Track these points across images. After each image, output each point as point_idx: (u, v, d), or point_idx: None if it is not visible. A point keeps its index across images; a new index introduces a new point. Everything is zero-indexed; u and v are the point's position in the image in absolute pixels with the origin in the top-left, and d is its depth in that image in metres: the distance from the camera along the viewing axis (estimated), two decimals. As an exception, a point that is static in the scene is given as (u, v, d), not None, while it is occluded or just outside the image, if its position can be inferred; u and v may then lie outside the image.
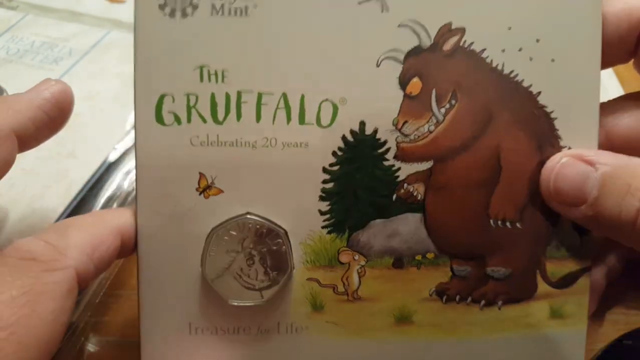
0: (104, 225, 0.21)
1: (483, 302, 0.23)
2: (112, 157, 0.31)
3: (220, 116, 0.22)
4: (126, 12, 0.41)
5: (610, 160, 0.21)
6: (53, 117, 0.22)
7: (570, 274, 0.23)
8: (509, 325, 0.23)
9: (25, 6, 0.41)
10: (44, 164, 0.30)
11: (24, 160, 0.30)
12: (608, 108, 0.24)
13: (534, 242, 0.23)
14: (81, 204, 0.28)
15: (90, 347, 0.27)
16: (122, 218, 0.22)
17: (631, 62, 0.24)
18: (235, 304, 0.22)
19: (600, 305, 0.26)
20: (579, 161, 0.21)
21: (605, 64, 0.23)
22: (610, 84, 0.25)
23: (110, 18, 0.40)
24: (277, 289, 0.23)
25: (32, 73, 0.35)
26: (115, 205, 0.30)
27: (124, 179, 0.30)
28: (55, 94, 0.22)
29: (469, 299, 0.23)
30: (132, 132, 0.31)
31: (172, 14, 0.22)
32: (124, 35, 0.39)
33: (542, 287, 0.23)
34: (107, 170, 0.30)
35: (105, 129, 0.32)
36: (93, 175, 0.30)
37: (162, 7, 0.22)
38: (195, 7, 0.22)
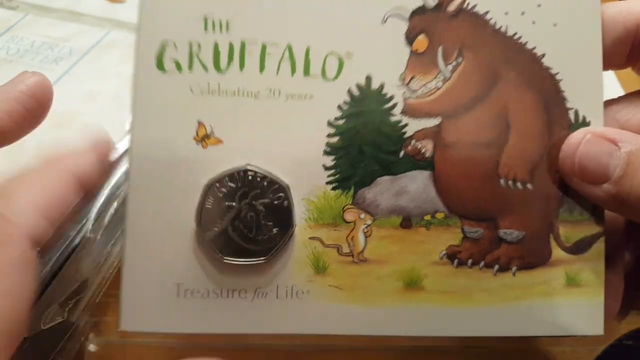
0: (58, 176, 0.19)
1: (497, 267, 0.22)
2: (112, 157, 0.30)
3: (223, 65, 0.21)
4: (126, 12, 0.41)
5: (633, 139, 0.21)
6: (31, 109, 0.21)
7: (585, 238, 0.22)
8: (524, 293, 0.22)
9: (25, 6, 0.41)
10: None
11: (24, 160, 0.29)
12: (621, 102, 0.24)
13: (545, 203, 0.22)
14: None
15: (91, 347, 0.26)
16: (80, 160, 0.20)
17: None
18: (231, 262, 0.21)
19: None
20: (602, 139, 0.21)
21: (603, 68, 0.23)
22: (611, 85, 0.25)
23: (110, 18, 0.40)
24: (277, 248, 0.21)
25: None
26: (115, 205, 0.28)
27: (124, 178, 0.29)
28: (31, 86, 0.21)
29: (482, 263, 0.22)
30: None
31: (179, -35, 0.22)
32: (124, 35, 0.39)
33: (557, 252, 0.22)
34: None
35: (105, 129, 0.31)
36: None
37: (169, -42, 0.22)
38: (202, -41, 0.22)
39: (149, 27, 0.21)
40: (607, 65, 0.23)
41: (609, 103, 0.24)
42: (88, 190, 0.20)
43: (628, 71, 0.26)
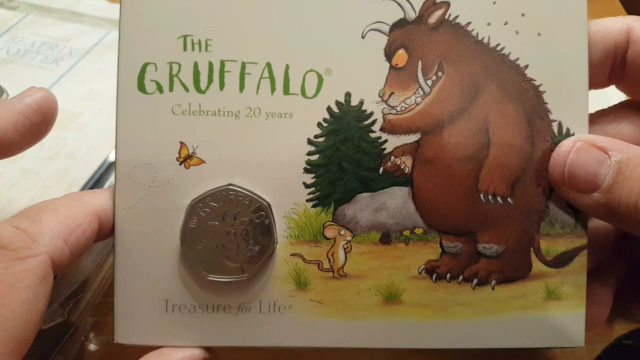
0: (80, 207, 0.21)
1: (475, 281, 0.22)
2: (112, 157, 0.31)
3: (203, 85, 0.22)
4: None
5: (623, 148, 0.20)
6: (35, 122, 0.22)
7: (566, 252, 0.22)
8: (503, 307, 0.22)
9: (25, 6, 0.41)
10: (44, 164, 0.30)
11: (24, 160, 0.30)
12: (611, 115, 0.23)
13: (526, 218, 0.22)
14: (82, 192, 0.28)
15: (91, 347, 0.26)
16: (99, 199, 0.21)
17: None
18: (215, 279, 0.21)
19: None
20: (593, 147, 0.21)
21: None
22: (611, 88, 0.24)
23: (111, 18, 0.40)
24: (260, 265, 0.21)
25: (32, 73, 0.35)
26: None
27: None
28: (37, 100, 0.22)
29: (460, 277, 0.22)
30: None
31: (158, -14, 0.22)
32: None
33: (537, 266, 0.22)
34: (107, 170, 0.30)
35: (105, 129, 0.32)
36: (93, 175, 0.29)
37: (148, -21, 0.22)
38: (181, -21, 0.22)
39: (129, 48, 0.22)
40: (589, 85, 0.22)
41: (597, 115, 0.23)
42: (105, 227, 0.21)
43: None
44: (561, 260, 0.22)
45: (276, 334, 0.22)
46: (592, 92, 0.23)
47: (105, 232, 0.22)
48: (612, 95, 0.25)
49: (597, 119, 0.24)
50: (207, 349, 0.22)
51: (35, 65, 0.36)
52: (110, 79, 0.36)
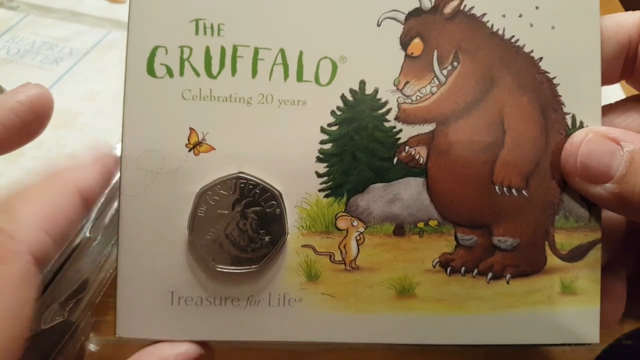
0: (61, 191, 0.19)
1: (490, 274, 0.22)
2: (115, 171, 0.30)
3: (215, 70, 0.21)
4: (127, 13, 0.41)
5: (635, 138, 0.20)
6: (27, 121, 0.20)
7: (580, 246, 0.22)
8: (519, 301, 0.22)
9: (25, 6, 0.41)
10: (43, 164, 0.30)
11: (24, 160, 0.30)
12: (619, 108, 0.23)
13: (541, 210, 0.22)
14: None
15: (91, 346, 0.26)
16: (81, 174, 0.20)
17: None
18: (224, 270, 0.21)
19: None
20: (605, 138, 0.21)
21: None
22: (612, 89, 0.24)
23: (111, 18, 0.40)
24: (270, 256, 0.21)
25: (32, 73, 0.35)
26: (115, 204, 0.28)
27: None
28: (31, 97, 0.20)
29: (475, 271, 0.22)
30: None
31: (169, -32, 0.21)
32: (125, 35, 0.38)
33: (552, 260, 0.22)
34: None
35: (105, 129, 0.32)
36: None
37: (160, -37, 0.21)
38: (193, -37, 0.21)
39: (139, 31, 0.21)
40: (602, 81, 0.22)
41: (606, 109, 0.23)
42: (91, 204, 0.20)
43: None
44: (576, 254, 0.22)
45: (286, 328, 0.21)
46: None
47: (88, 208, 0.20)
48: (613, 96, 0.25)
49: (606, 112, 0.23)
50: (204, 345, 0.21)
51: (35, 65, 0.36)
52: (111, 79, 0.36)
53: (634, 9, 0.24)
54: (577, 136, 0.21)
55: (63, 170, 0.20)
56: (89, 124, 0.28)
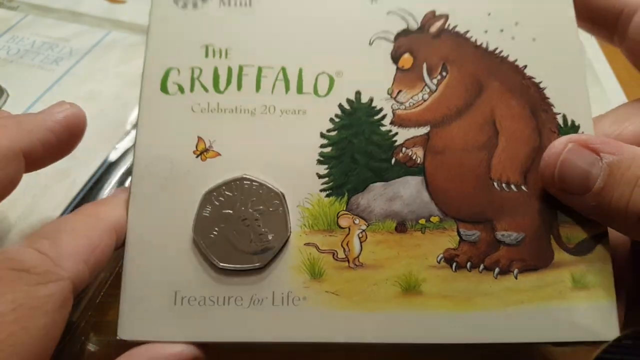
0: (98, 225, 0.21)
1: (497, 269, 0.21)
2: (112, 157, 0.31)
3: (222, 86, 0.23)
4: (126, 13, 0.41)
5: (616, 149, 0.20)
6: (62, 140, 0.22)
7: (587, 239, 0.22)
8: (529, 297, 0.21)
9: (25, 6, 0.41)
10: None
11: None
12: (611, 116, 0.24)
13: (542, 205, 0.22)
14: (81, 204, 0.27)
15: (91, 346, 0.25)
16: (115, 212, 0.21)
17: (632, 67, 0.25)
18: (227, 267, 0.21)
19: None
20: (584, 148, 0.20)
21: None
22: (612, 90, 0.25)
23: (111, 18, 0.40)
24: (273, 254, 0.21)
25: (32, 73, 0.35)
26: None
27: (124, 178, 0.30)
28: (68, 116, 0.22)
29: (481, 266, 0.21)
30: (133, 132, 0.31)
31: (184, 6, 0.24)
32: (124, 35, 0.38)
33: (560, 254, 0.22)
34: (107, 170, 0.30)
35: (105, 129, 0.31)
36: (93, 175, 0.29)
37: (176, 1, 0.24)
38: (204, 1, 0.24)
39: (155, 55, 0.23)
40: (596, 32, 0.23)
41: (598, 118, 0.24)
42: (122, 238, 0.21)
43: (630, 75, 0.26)
44: (583, 248, 0.22)
45: (290, 328, 0.20)
46: (592, 94, 0.24)
47: (120, 243, 0.21)
48: (613, 97, 0.26)
49: (597, 122, 0.24)
50: (200, 346, 0.20)
51: (35, 65, 0.36)
52: (111, 79, 0.35)
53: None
54: (556, 146, 0.21)
55: (100, 208, 0.22)
56: (89, 124, 0.29)
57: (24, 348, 0.17)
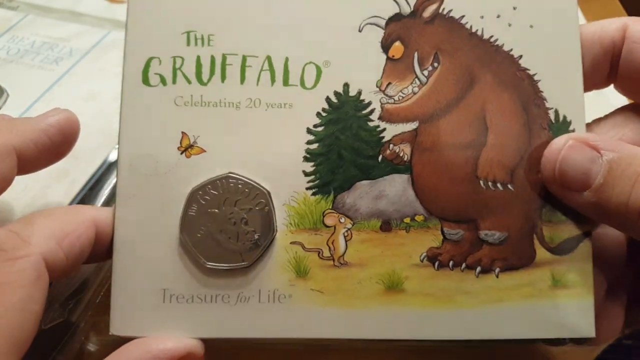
0: (76, 214, 0.21)
1: (479, 268, 0.22)
2: (112, 157, 0.31)
3: (205, 77, 0.22)
4: (126, 13, 0.41)
5: (616, 147, 0.20)
6: (56, 142, 0.22)
7: (570, 239, 0.22)
8: (509, 295, 0.22)
9: (25, 6, 0.40)
10: None
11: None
12: (611, 120, 0.23)
13: (527, 204, 0.22)
14: (81, 204, 0.28)
15: (91, 346, 0.26)
16: (99, 212, 0.22)
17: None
18: (214, 267, 0.21)
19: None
20: (584, 145, 0.21)
21: (585, 89, 0.23)
22: (612, 91, 0.25)
23: (111, 18, 0.40)
24: (259, 253, 0.21)
25: (32, 73, 0.35)
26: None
27: None
28: (60, 120, 0.22)
29: (463, 265, 0.22)
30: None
31: (163, -12, 0.23)
32: (124, 35, 0.38)
33: (542, 253, 0.22)
34: (107, 170, 0.30)
35: (105, 129, 0.31)
36: (93, 175, 0.29)
37: (154, -17, 0.23)
38: (185, -18, 0.23)
39: (135, 44, 0.22)
40: (588, 86, 0.23)
41: (596, 122, 0.23)
42: (103, 239, 0.21)
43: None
44: (566, 247, 0.22)
45: (276, 325, 0.21)
46: (592, 95, 0.23)
47: (103, 245, 0.21)
48: (613, 97, 0.25)
49: (596, 125, 0.23)
50: (197, 343, 0.21)
51: (35, 65, 0.36)
52: (111, 79, 0.35)
53: (634, 9, 0.24)
54: (556, 143, 0.21)
55: (83, 206, 0.23)
56: (89, 124, 0.28)
57: (2, 321, 0.18)
